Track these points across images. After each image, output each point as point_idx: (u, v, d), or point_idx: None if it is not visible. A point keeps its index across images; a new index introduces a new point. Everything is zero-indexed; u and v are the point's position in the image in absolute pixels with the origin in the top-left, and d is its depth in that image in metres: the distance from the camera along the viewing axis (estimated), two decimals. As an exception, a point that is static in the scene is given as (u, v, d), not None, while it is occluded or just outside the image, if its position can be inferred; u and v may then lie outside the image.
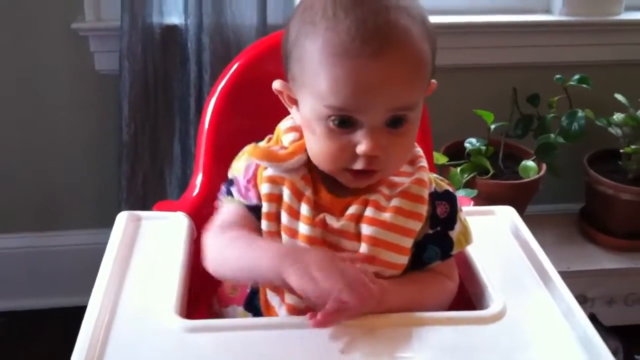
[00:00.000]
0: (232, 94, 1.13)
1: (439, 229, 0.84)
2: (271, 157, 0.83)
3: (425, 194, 0.83)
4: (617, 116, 1.76)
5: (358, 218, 0.82)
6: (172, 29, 1.64)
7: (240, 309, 0.89)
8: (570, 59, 1.82)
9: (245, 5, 1.59)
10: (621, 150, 1.76)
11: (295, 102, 0.83)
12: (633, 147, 1.73)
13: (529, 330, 0.79)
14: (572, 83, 1.73)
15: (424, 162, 0.86)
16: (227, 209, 0.86)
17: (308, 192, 0.82)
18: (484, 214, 1.01)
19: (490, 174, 1.69)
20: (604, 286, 1.78)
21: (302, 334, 0.76)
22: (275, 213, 0.83)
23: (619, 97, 1.75)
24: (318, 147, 0.80)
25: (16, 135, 1.78)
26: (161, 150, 1.71)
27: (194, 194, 1.08)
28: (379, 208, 0.81)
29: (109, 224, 0.97)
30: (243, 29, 1.60)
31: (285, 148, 0.84)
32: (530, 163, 1.71)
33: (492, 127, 1.72)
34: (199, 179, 1.10)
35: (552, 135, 1.72)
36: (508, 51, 1.82)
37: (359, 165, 0.78)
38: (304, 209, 0.81)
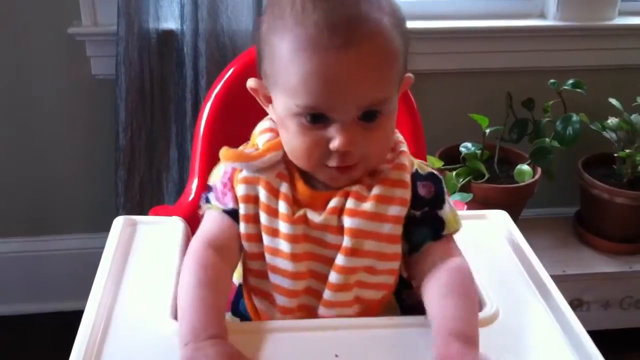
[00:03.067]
0: (227, 99, 1.13)
1: (426, 209, 0.82)
2: (242, 157, 0.82)
3: (406, 177, 0.82)
4: (612, 120, 1.76)
5: (340, 211, 0.80)
6: (168, 34, 1.64)
7: (229, 314, 0.89)
8: (564, 63, 1.83)
9: (241, 11, 1.60)
10: (615, 155, 1.77)
11: (270, 100, 0.83)
12: (627, 151, 1.74)
13: (521, 333, 0.80)
14: (566, 87, 1.74)
15: (404, 147, 0.85)
16: (207, 219, 0.85)
17: (284, 189, 0.81)
18: (476, 218, 1.02)
19: (485, 178, 1.70)
20: (600, 290, 1.79)
21: (297, 338, 0.76)
22: (253, 215, 0.82)
23: (613, 101, 1.76)
24: (292, 144, 0.79)
25: (12, 139, 1.78)
26: (158, 155, 1.72)
27: (190, 198, 1.09)
28: (359, 198, 0.80)
29: (105, 228, 0.97)
30: (239, 35, 1.61)
31: (259, 149, 0.83)
32: (525, 167, 1.72)
33: (487, 131, 1.72)
34: (194, 184, 1.11)
35: (547, 140, 1.73)
36: (503, 56, 1.83)
37: (333, 162, 0.78)
38: (282, 207, 0.80)
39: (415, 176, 0.83)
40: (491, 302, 0.82)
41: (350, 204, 0.80)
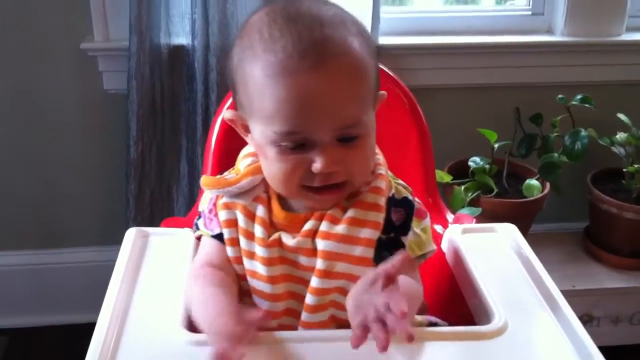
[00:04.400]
0: (238, 113, 1.14)
1: (392, 235, 0.83)
2: (220, 184, 0.85)
3: (382, 201, 0.82)
4: (620, 135, 1.77)
5: (314, 233, 0.81)
6: (179, 50, 1.66)
7: None
8: (572, 78, 1.84)
9: (252, 26, 1.61)
10: (624, 169, 1.77)
11: (248, 129, 0.83)
12: (636, 166, 1.74)
13: (530, 346, 0.80)
14: (574, 103, 1.74)
15: (382, 170, 0.85)
16: (202, 246, 0.88)
17: (260, 213, 0.83)
18: (485, 231, 1.02)
19: (494, 192, 1.70)
20: (609, 305, 1.78)
21: (303, 348, 0.76)
22: (235, 238, 0.84)
23: (621, 116, 1.76)
24: (272, 170, 0.80)
25: (24, 152, 1.80)
26: (168, 169, 1.73)
27: (201, 211, 1.10)
28: (333, 221, 0.81)
29: (116, 241, 0.98)
30: (249, 50, 1.62)
31: (239, 173, 0.85)
32: (534, 182, 1.72)
33: (496, 146, 1.73)
34: (205, 197, 1.12)
35: (556, 154, 1.73)
36: (511, 71, 1.83)
37: (316, 182, 0.78)
38: (258, 230, 0.82)
39: (391, 201, 0.84)
40: (499, 315, 0.82)
41: (323, 226, 0.81)
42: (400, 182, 0.89)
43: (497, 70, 1.83)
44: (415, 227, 0.85)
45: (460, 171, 1.76)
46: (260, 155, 0.82)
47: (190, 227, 1.00)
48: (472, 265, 0.92)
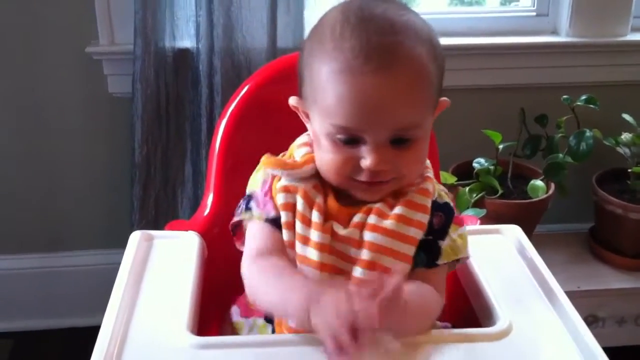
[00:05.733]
0: (242, 116, 1.14)
1: (430, 237, 0.84)
2: (283, 165, 0.85)
3: (428, 203, 0.85)
4: (625, 136, 1.76)
5: (362, 226, 0.83)
6: (184, 53, 1.66)
7: (261, 320, 0.91)
8: (577, 79, 1.84)
9: (256, 29, 1.61)
10: (629, 170, 1.77)
11: (309, 116, 0.86)
12: (641, 166, 1.74)
13: (535, 347, 0.80)
14: (579, 103, 1.74)
15: (430, 173, 0.88)
16: (250, 234, 0.87)
17: (319, 200, 0.84)
18: (490, 232, 1.02)
19: (499, 193, 1.70)
20: (615, 306, 1.77)
21: (312, 351, 0.77)
22: (292, 222, 0.84)
23: (626, 117, 1.76)
24: (324, 159, 0.82)
25: (29, 156, 1.81)
26: (173, 172, 1.73)
27: (205, 213, 1.10)
28: (381, 215, 0.83)
29: (121, 244, 0.98)
30: (253, 53, 1.63)
31: (296, 161, 0.87)
32: (538, 183, 1.72)
33: (501, 147, 1.73)
34: (210, 199, 1.12)
35: (561, 155, 1.73)
36: (516, 72, 1.83)
37: (363, 177, 0.80)
38: (315, 216, 0.83)
39: (434, 205, 0.86)
40: (504, 317, 0.82)
41: (372, 219, 0.83)
42: (442, 187, 0.91)
43: (501, 72, 1.83)
44: (452, 233, 0.87)
45: (464, 172, 1.76)
46: (315, 143, 0.84)
47: (194, 229, 1.01)
48: (476, 266, 0.92)
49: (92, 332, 0.78)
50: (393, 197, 0.84)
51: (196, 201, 1.71)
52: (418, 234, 0.83)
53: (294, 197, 0.84)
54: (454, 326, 0.88)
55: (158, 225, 1.65)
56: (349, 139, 0.79)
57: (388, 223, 0.82)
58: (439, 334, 0.81)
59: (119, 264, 0.92)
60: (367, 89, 0.76)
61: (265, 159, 0.86)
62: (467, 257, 0.89)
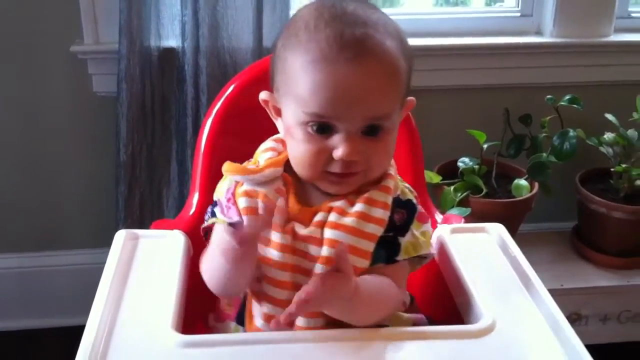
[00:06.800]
0: (228, 116, 1.15)
1: (391, 234, 0.86)
2: (244, 171, 0.87)
3: (389, 200, 0.86)
4: (608, 136, 1.78)
5: (323, 224, 0.84)
6: (169, 52, 1.66)
7: (234, 323, 0.92)
8: (561, 79, 1.85)
9: (242, 29, 1.61)
10: (612, 169, 1.78)
11: (279, 112, 0.88)
12: (624, 165, 1.75)
13: (518, 345, 0.81)
14: (563, 103, 1.76)
15: (392, 171, 0.89)
16: (216, 233, 0.89)
17: (280, 203, 0.86)
18: (474, 231, 1.03)
19: (483, 192, 1.71)
20: (598, 304, 1.79)
21: (295, 349, 0.77)
22: None
23: (609, 117, 1.77)
24: (297, 151, 0.84)
25: (14, 155, 1.80)
26: (158, 171, 1.73)
27: (191, 212, 1.10)
28: (341, 213, 0.84)
29: (106, 243, 0.98)
30: (239, 52, 1.63)
31: (259, 166, 0.88)
32: (522, 182, 1.73)
33: (485, 146, 1.74)
34: (195, 198, 1.12)
35: (544, 155, 1.74)
36: (500, 72, 1.84)
37: (336, 168, 0.82)
38: (276, 218, 0.85)
39: (396, 201, 0.87)
40: (487, 314, 0.83)
41: (332, 217, 0.85)
42: (407, 185, 0.92)
43: (486, 71, 1.84)
44: (415, 230, 0.88)
45: (449, 172, 1.77)
46: (288, 136, 0.86)
47: (180, 228, 1.01)
48: (460, 264, 0.93)
49: (79, 332, 0.78)
50: (354, 194, 0.86)
51: (182, 200, 1.70)
52: (377, 230, 0.84)
53: (255, 202, 0.86)
54: (437, 322, 0.88)
55: (143, 225, 1.65)
56: (322, 127, 0.81)
57: (348, 220, 0.84)
58: (422, 331, 0.81)
59: (104, 263, 0.92)
60: (342, 77, 0.78)
61: (226, 166, 0.88)
62: (432, 255, 0.91)
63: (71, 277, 1.87)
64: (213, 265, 0.84)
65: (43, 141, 1.79)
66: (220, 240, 0.81)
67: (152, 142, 1.70)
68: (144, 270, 0.92)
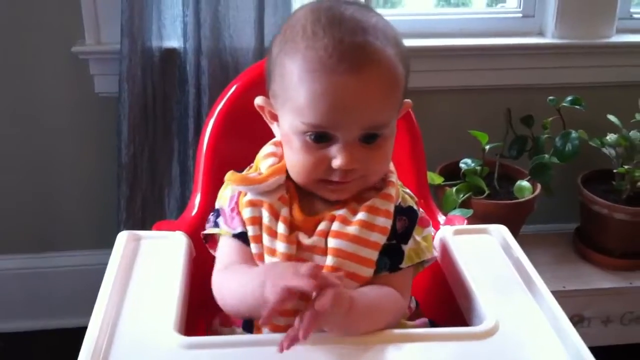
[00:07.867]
0: (230, 116, 1.15)
1: (394, 241, 0.86)
2: (247, 182, 0.86)
3: (391, 208, 0.86)
4: (610, 137, 1.77)
5: (327, 233, 0.84)
6: (171, 53, 1.66)
7: (240, 330, 0.91)
8: (563, 80, 1.85)
9: (243, 30, 1.61)
10: (615, 171, 1.78)
11: (276, 118, 0.87)
12: (626, 167, 1.75)
13: (521, 347, 0.80)
14: (565, 104, 1.75)
15: (393, 178, 0.89)
16: (222, 246, 0.89)
17: (284, 212, 0.85)
18: (477, 232, 1.03)
19: (485, 194, 1.71)
20: (600, 305, 1.79)
21: (298, 351, 0.77)
22: (259, 235, 0.85)
23: (611, 118, 1.77)
24: (295, 160, 0.83)
25: (15, 156, 1.80)
26: (160, 172, 1.73)
27: (193, 213, 1.10)
28: (344, 222, 0.84)
29: (107, 245, 0.98)
30: (241, 52, 1.63)
31: (262, 173, 0.87)
32: (525, 183, 1.73)
33: (487, 147, 1.74)
34: (197, 199, 1.12)
35: (546, 156, 1.74)
36: (502, 73, 1.84)
37: (335, 177, 0.82)
38: (281, 228, 0.84)
39: (397, 209, 0.87)
40: (490, 316, 0.83)
41: (335, 226, 0.84)
42: (407, 191, 0.92)
43: (488, 72, 1.84)
44: (417, 235, 0.88)
45: (451, 173, 1.77)
46: (285, 144, 0.85)
47: (182, 230, 1.01)
48: (463, 266, 0.92)
49: (81, 333, 0.78)
50: (357, 202, 0.86)
51: (183, 201, 1.70)
52: (381, 238, 0.84)
53: (260, 211, 0.86)
54: (440, 325, 0.88)
55: (145, 226, 1.65)
56: (320, 137, 0.80)
57: (351, 229, 0.84)
58: (425, 333, 0.81)
59: (106, 264, 0.91)
60: (341, 87, 0.77)
61: (229, 176, 0.87)
62: (434, 259, 0.91)
63: (72, 279, 1.87)
64: (231, 294, 0.84)
65: (44, 142, 1.79)
66: (252, 293, 0.78)
67: (154, 142, 1.70)
68: (146, 271, 0.92)
